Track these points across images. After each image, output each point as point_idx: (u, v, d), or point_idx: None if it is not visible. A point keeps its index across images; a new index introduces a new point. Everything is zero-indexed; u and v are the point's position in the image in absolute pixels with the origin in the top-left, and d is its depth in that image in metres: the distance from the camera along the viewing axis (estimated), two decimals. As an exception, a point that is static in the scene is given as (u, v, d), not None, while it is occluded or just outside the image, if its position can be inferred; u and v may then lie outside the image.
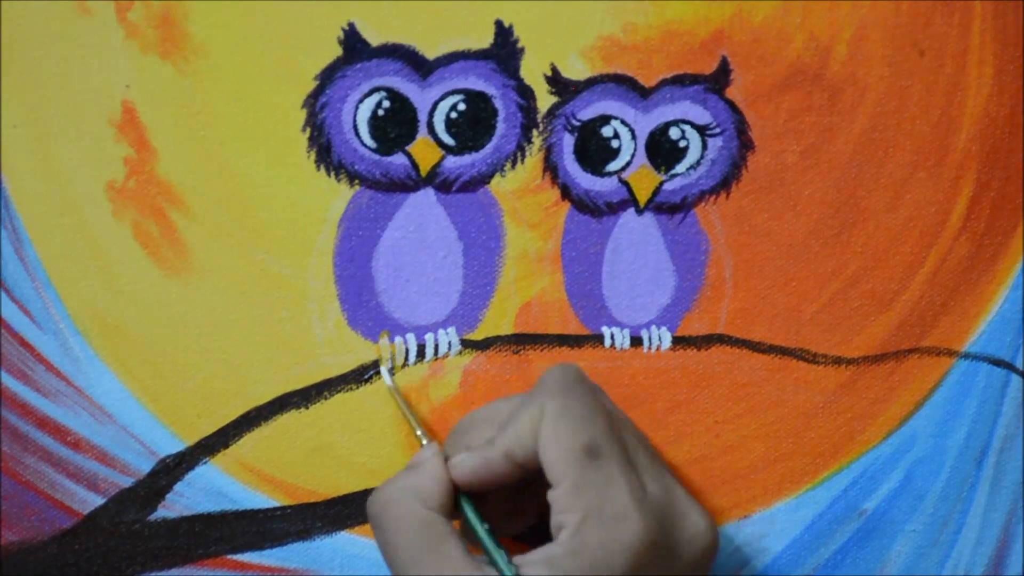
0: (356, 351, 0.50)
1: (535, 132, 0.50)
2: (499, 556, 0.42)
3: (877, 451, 0.53)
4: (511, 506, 0.47)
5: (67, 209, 0.48)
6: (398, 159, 0.49)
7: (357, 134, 0.49)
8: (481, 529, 0.43)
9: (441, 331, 0.50)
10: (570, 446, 0.42)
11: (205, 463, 0.50)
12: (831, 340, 0.52)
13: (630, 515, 0.41)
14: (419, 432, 0.47)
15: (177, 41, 0.48)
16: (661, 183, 0.51)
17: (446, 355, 0.51)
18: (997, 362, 0.53)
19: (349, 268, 0.50)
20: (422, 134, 0.49)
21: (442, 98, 0.49)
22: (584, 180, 0.50)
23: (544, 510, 0.43)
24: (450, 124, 0.49)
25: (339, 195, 0.49)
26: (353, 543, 0.50)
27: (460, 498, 0.44)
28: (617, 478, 0.42)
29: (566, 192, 0.50)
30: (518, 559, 0.42)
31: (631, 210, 0.51)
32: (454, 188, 0.50)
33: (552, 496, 0.42)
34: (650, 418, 0.52)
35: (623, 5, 0.50)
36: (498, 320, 0.51)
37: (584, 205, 0.51)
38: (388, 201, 0.50)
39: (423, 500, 0.43)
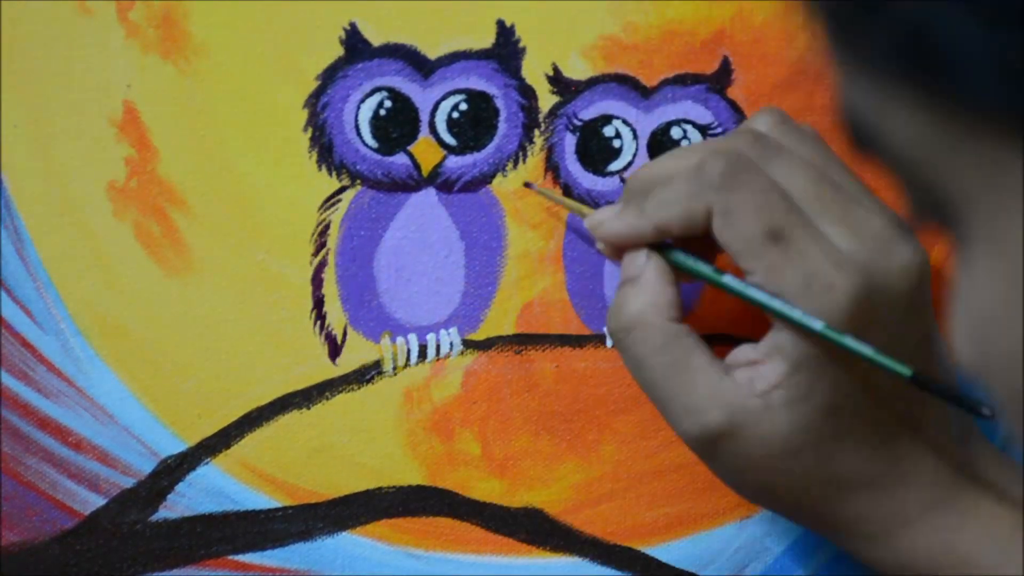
0: (358, 351, 0.50)
1: (537, 132, 0.50)
2: (747, 287, 0.42)
3: (879, 451, 0.53)
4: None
5: (68, 209, 0.48)
6: (400, 159, 0.49)
7: (359, 134, 0.49)
8: (712, 272, 0.44)
9: (443, 331, 0.50)
10: (752, 236, 0.41)
11: (206, 463, 0.49)
12: (833, 340, 0.52)
13: (836, 282, 0.41)
14: (585, 212, 0.47)
15: (178, 41, 0.48)
16: (663, 183, 0.51)
17: (448, 355, 0.51)
18: (999, 362, 0.53)
19: (350, 268, 0.50)
20: (424, 134, 0.49)
21: (444, 98, 0.49)
22: (586, 180, 0.50)
23: None
24: (452, 124, 0.49)
25: (341, 195, 0.49)
26: (355, 544, 0.50)
27: (664, 252, 0.44)
28: (809, 250, 0.41)
29: (568, 192, 0.50)
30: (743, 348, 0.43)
31: (633, 210, 0.51)
32: (456, 188, 0.50)
33: (749, 281, 0.42)
34: (652, 418, 0.51)
35: (624, 5, 0.50)
36: (500, 320, 0.51)
37: (585, 205, 0.50)
38: (390, 201, 0.50)
39: (662, 314, 0.43)
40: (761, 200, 0.42)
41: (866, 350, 0.40)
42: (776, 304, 0.42)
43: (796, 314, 0.41)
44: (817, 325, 0.41)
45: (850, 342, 0.41)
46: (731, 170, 0.42)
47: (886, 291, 0.42)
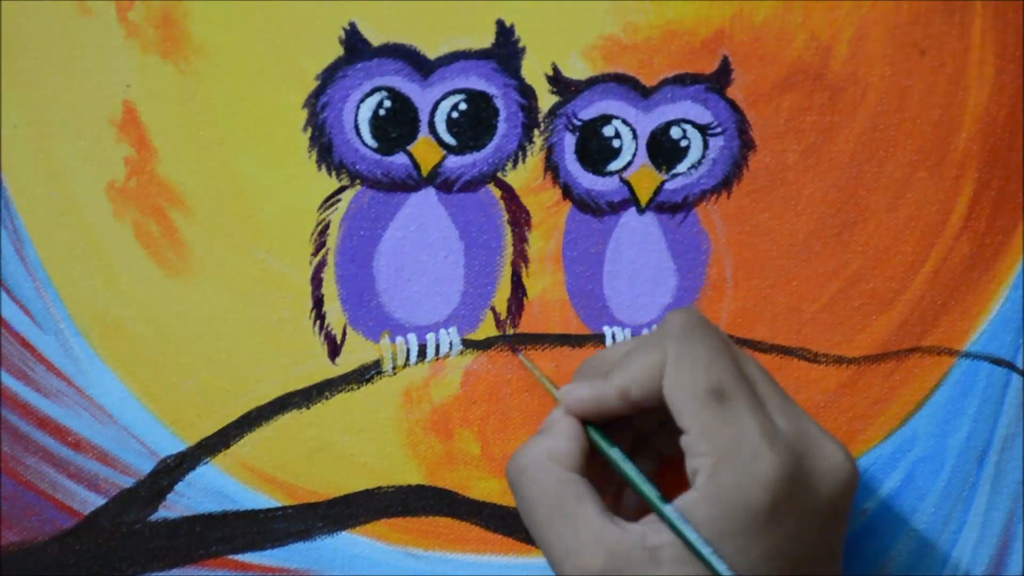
0: (357, 351, 0.50)
1: (536, 132, 0.50)
2: (640, 480, 0.43)
3: (878, 450, 0.53)
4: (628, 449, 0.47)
5: (68, 209, 0.48)
6: (399, 159, 0.49)
7: (358, 134, 0.49)
8: (614, 454, 0.44)
9: (442, 331, 0.50)
10: (696, 391, 0.42)
11: (206, 463, 0.49)
12: (832, 339, 0.52)
13: (763, 453, 0.41)
14: (553, 391, 0.47)
15: (178, 41, 0.48)
16: (662, 183, 0.51)
17: (447, 355, 0.51)
18: (998, 361, 0.53)
19: (350, 268, 0.50)
20: (423, 134, 0.49)
21: (443, 98, 0.49)
22: (585, 180, 0.50)
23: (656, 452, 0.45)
24: (451, 124, 0.49)
25: (340, 195, 0.49)
26: (354, 543, 0.50)
27: (588, 429, 0.45)
28: (746, 418, 0.41)
29: (567, 192, 0.50)
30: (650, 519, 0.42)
31: (632, 210, 0.51)
32: (455, 188, 0.50)
33: (684, 442, 0.42)
34: (651, 418, 0.52)
35: (624, 5, 0.50)
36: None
37: (585, 205, 0.51)
38: (389, 201, 0.50)
39: (558, 461, 0.43)
40: (713, 356, 0.42)
41: (713, 561, 0.40)
42: (666, 510, 0.41)
43: (653, 498, 0.42)
44: (668, 512, 0.41)
45: (693, 539, 0.40)
46: (691, 324, 0.43)
47: (810, 484, 0.42)
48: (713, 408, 0.41)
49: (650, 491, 0.42)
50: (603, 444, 0.44)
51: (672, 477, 0.45)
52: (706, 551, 0.40)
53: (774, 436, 0.41)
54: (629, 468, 0.44)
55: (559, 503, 0.42)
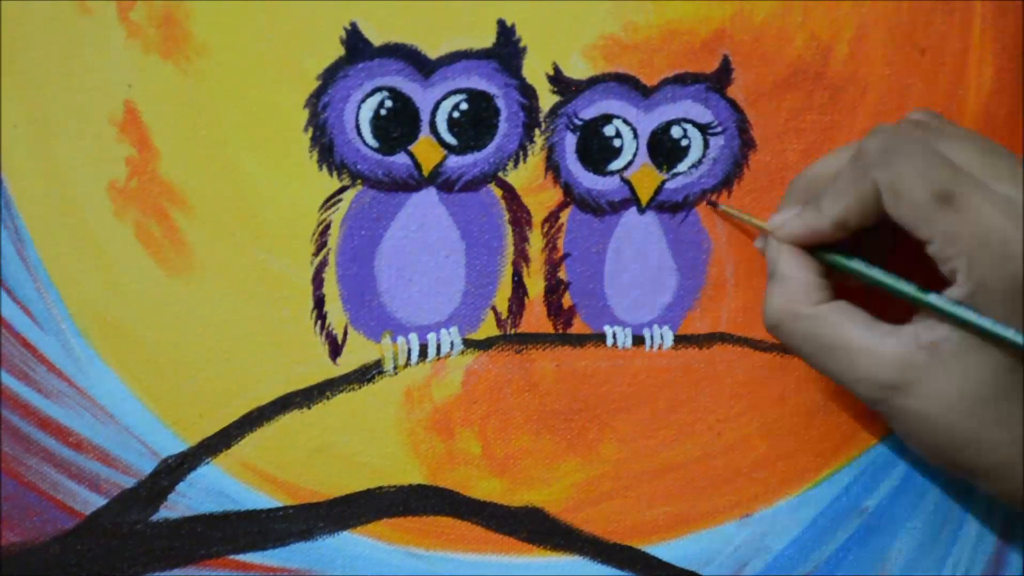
0: (358, 351, 0.50)
1: (537, 131, 0.50)
2: (895, 281, 0.43)
3: (878, 449, 0.53)
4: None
5: (68, 209, 0.48)
6: (400, 159, 0.49)
7: (359, 134, 0.49)
8: (856, 265, 0.45)
9: (443, 331, 0.50)
10: (923, 203, 0.42)
11: (207, 463, 0.49)
12: (832, 338, 0.52)
13: (1009, 233, 0.41)
14: (761, 224, 0.48)
15: (179, 41, 0.48)
16: (663, 182, 0.51)
17: (448, 355, 0.51)
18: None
19: (351, 268, 0.50)
20: (424, 133, 0.49)
21: (444, 97, 0.49)
22: (586, 179, 0.51)
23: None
24: (452, 123, 0.49)
25: (341, 195, 0.49)
26: (355, 543, 0.50)
27: (818, 253, 0.45)
28: (980, 206, 0.41)
29: (568, 191, 0.50)
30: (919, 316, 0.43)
31: (633, 209, 0.51)
32: (456, 188, 0.50)
33: (931, 251, 0.42)
34: (652, 417, 0.52)
35: (624, 4, 0.50)
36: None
37: (586, 204, 0.51)
38: (390, 201, 0.50)
39: (803, 301, 0.44)
40: (923, 166, 0.42)
41: (985, 322, 0.40)
42: (931, 299, 0.42)
43: (948, 306, 0.42)
44: (933, 299, 0.41)
45: (968, 315, 0.41)
46: (889, 146, 0.43)
47: None
48: (945, 211, 0.41)
49: (909, 287, 0.42)
50: (842, 261, 0.45)
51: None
52: (987, 323, 0.40)
53: (1013, 212, 0.41)
54: (878, 273, 0.44)
55: (824, 342, 0.44)
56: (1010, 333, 0.40)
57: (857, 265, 0.45)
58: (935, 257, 0.42)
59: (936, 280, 0.43)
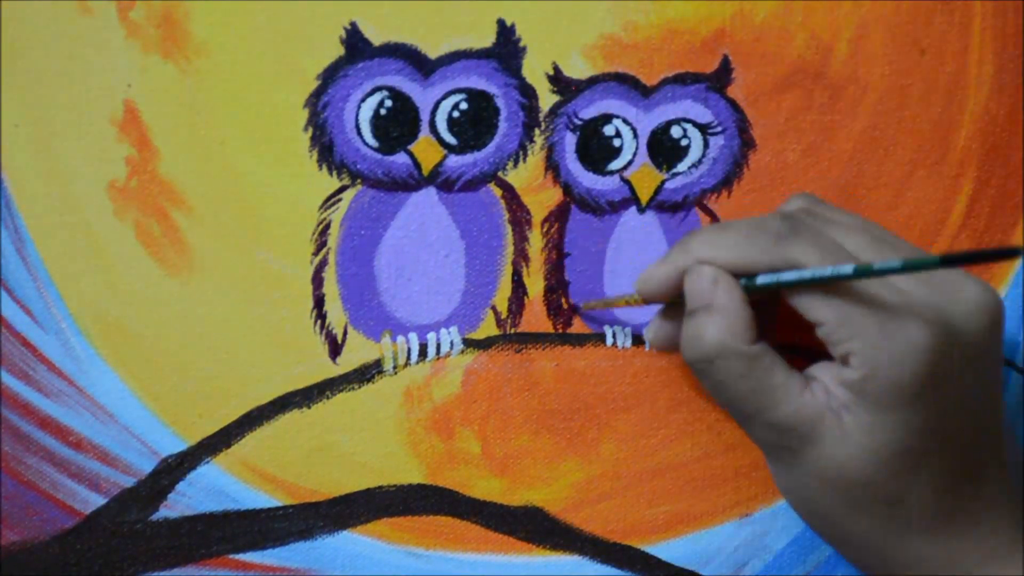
0: (358, 350, 0.50)
1: (537, 131, 0.50)
2: (831, 271, 0.41)
3: (878, 449, 0.53)
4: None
5: (69, 209, 0.48)
6: (400, 158, 0.49)
7: (359, 133, 0.49)
8: (788, 276, 0.42)
9: (443, 330, 0.50)
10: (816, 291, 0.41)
11: (207, 463, 0.49)
12: (832, 338, 0.52)
13: (908, 325, 0.40)
14: (626, 298, 0.48)
15: (179, 40, 0.48)
16: (663, 182, 0.51)
17: (448, 354, 0.51)
18: (997, 360, 0.53)
19: (351, 267, 0.50)
20: (424, 133, 0.49)
21: (444, 97, 0.49)
22: (586, 179, 0.50)
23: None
24: (452, 123, 0.49)
25: (341, 194, 0.49)
26: (355, 542, 0.50)
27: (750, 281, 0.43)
28: (881, 296, 0.41)
29: (568, 191, 0.50)
30: (817, 368, 0.43)
31: (633, 209, 0.51)
32: (456, 187, 0.50)
33: (822, 333, 0.42)
34: (652, 416, 0.52)
35: (624, 4, 0.50)
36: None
37: (586, 204, 0.51)
38: (390, 200, 0.50)
39: (738, 338, 0.43)
40: (824, 253, 0.42)
41: (895, 264, 0.39)
42: (806, 274, 0.41)
43: (827, 272, 0.41)
44: (847, 270, 0.40)
45: (879, 265, 0.40)
46: (790, 229, 0.42)
47: (958, 334, 0.41)
48: (842, 295, 0.41)
49: (846, 269, 0.41)
50: (771, 278, 0.43)
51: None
52: (896, 263, 0.39)
53: (911, 304, 0.41)
54: (815, 272, 0.42)
55: (755, 383, 0.42)
56: (927, 258, 0.39)
57: (789, 276, 0.42)
58: (826, 339, 0.42)
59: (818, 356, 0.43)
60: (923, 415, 0.41)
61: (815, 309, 0.42)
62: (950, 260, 0.37)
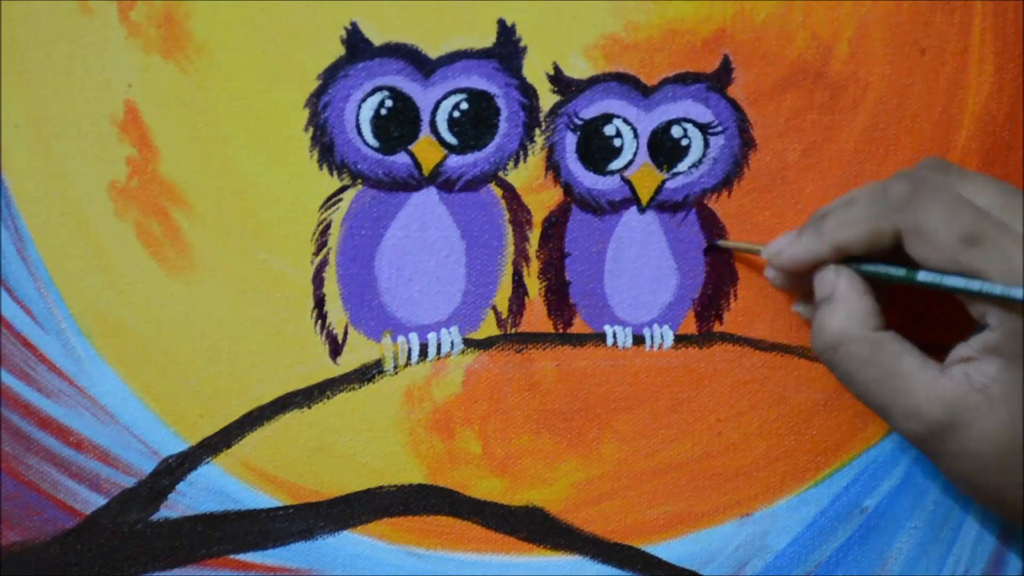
0: (359, 350, 0.50)
1: (537, 131, 0.50)
2: (962, 283, 0.41)
3: (878, 448, 0.53)
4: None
5: (69, 208, 0.48)
6: (401, 158, 0.49)
7: (360, 133, 0.49)
8: (923, 276, 0.43)
9: (444, 330, 0.50)
10: (949, 246, 0.41)
11: (207, 463, 0.49)
12: (832, 338, 0.52)
13: None
14: (759, 248, 0.48)
15: (179, 40, 0.48)
16: (663, 181, 0.51)
17: (448, 354, 0.51)
18: (998, 359, 0.53)
19: (352, 267, 0.50)
20: (425, 133, 0.49)
21: (445, 97, 0.49)
22: (586, 179, 0.51)
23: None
24: (453, 123, 0.49)
25: (342, 194, 0.49)
26: (356, 542, 0.50)
27: (854, 268, 0.44)
28: (1009, 247, 0.41)
29: (568, 191, 0.50)
30: (953, 352, 0.43)
31: (633, 209, 0.51)
32: (457, 187, 0.50)
33: (961, 297, 0.42)
34: (652, 416, 0.52)
35: (625, 4, 0.50)
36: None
37: (587, 204, 0.51)
38: (391, 200, 0.50)
39: (863, 324, 0.43)
40: (950, 211, 0.41)
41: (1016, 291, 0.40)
42: (975, 286, 0.41)
43: (997, 289, 0.41)
44: (1018, 293, 0.40)
45: (1000, 289, 0.40)
46: (916, 189, 0.43)
47: None
48: (970, 251, 0.41)
49: (975, 284, 0.41)
50: (899, 274, 0.43)
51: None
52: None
53: None
54: (945, 279, 0.42)
55: (883, 368, 0.43)
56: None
57: (926, 276, 0.43)
58: (967, 303, 0.42)
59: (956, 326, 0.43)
60: None
61: (949, 269, 0.42)
62: None
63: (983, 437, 0.42)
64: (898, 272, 0.44)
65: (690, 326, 0.52)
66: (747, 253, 0.50)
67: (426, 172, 0.50)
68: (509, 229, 0.50)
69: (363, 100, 0.49)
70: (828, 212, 0.45)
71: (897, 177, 0.44)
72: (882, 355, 0.43)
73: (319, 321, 0.50)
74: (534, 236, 0.50)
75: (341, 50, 0.49)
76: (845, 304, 0.44)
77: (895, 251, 0.44)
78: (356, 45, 0.49)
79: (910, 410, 0.42)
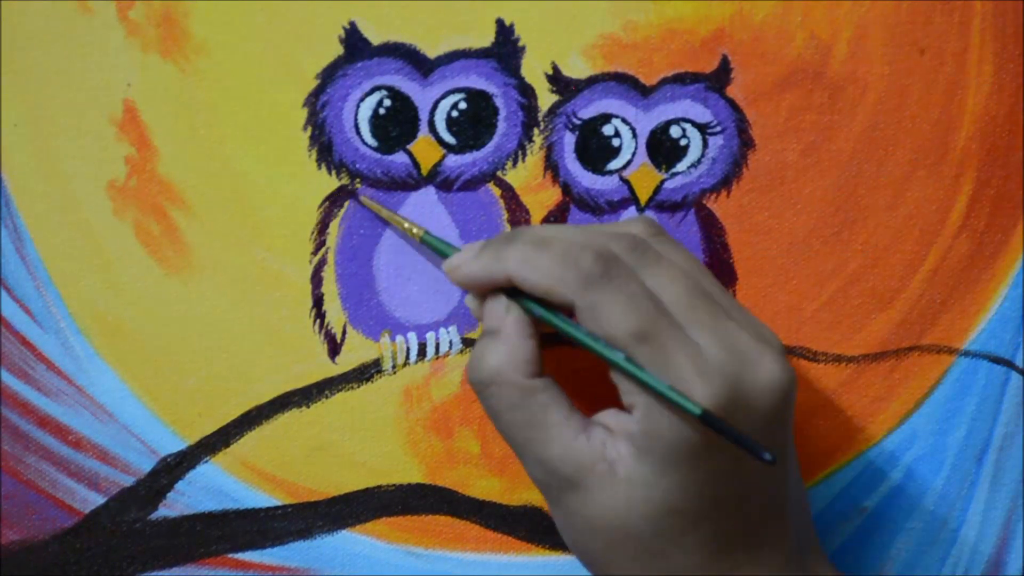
0: (357, 350, 0.50)
1: (536, 131, 0.50)
2: (598, 345, 0.42)
3: (877, 449, 0.53)
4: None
5: (68, 208, 0.48)
6: (399, 158, 0.49)
7: (358, 133, 0.49)
8: (570, 330, 0.43)
9: (442, 330, 0.50)
10: (616, 337, 0.41)
11: (206, 462, 0.49)
12: (831, 338, 0.52)
13: (695, 387, 0.40)
14: (415, 229, 0.47)
15: (178, 40, 0.48)
16: (662, 181, 0.51)
17: (447, 354, 0.51)
18: (997, 360, 0.53)
19: (350, 267, 0.50)
20: (423, 133, 0.49)
21: (443, 97, 0.49)
22: (585, 179, 0.50)
23: None
24: (451, 123, 0.49)
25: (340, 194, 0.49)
26: (354, 542, 0.50)
27: (525, 303, 0.43)
28: (673, 355, 0.41)
29: (567, 191, 0.50)
30: (605, 414, 0.43)
31: (632, 209, 0.51)
32: (455, 187, 0.50)
33: (614, 376, 0.42)
34: (651, 416, 0.51)
35: (624, 4, 0.50)
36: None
37: (585, 204, 0.51)
38: (389, 200, 0.50)
39: (518, 369, 0.42)
40: (629, 303, 0.41)
41: (659, 385, 0.40)
42: (599, 347, 0.41)
43: (599, 346, 0.41)
44: (617, 357, 0.41)
45: (646, 376, 0.40)
46: (602, 271, 0.41)
47: (748, 405, 0.41)
48: (637, 347, 0.41)
49: (612, 353, 0.41)
50: (545, 313, 0.43)
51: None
52: (663, 387, 0.40)
53: (703, 366, 0.41)
54: (582, 334, 0.42)
55: (528, 416, 0.42)
56: (688, 404, 0.40)
57: (561, 323, 0.43)
58: (616, 383, 0.42)
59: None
60: (697, 479, 0.41)
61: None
62: (708, 420, 0.39)
63: (599, 506, 0.41)
64: (559, 321, 0.43)
65: (689, 326, 0.52)
66: (400, 225, 0.48)
67: (424, 172, 0.50)
68: (508, 228, 0.50)
69: (362, 100, 0.49)
70: (517, 238, 0.43)
71: (585, 249, 0.42)
72: (530, 404, 0.42)
73: (318, 320, 0.50)
74: (533, 236, 0.50)
75: (340, 49, 0.49)
76: (507, 344, 0.43)
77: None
78: (355, 44, 0.49)
79: (542, 459, 0.42)
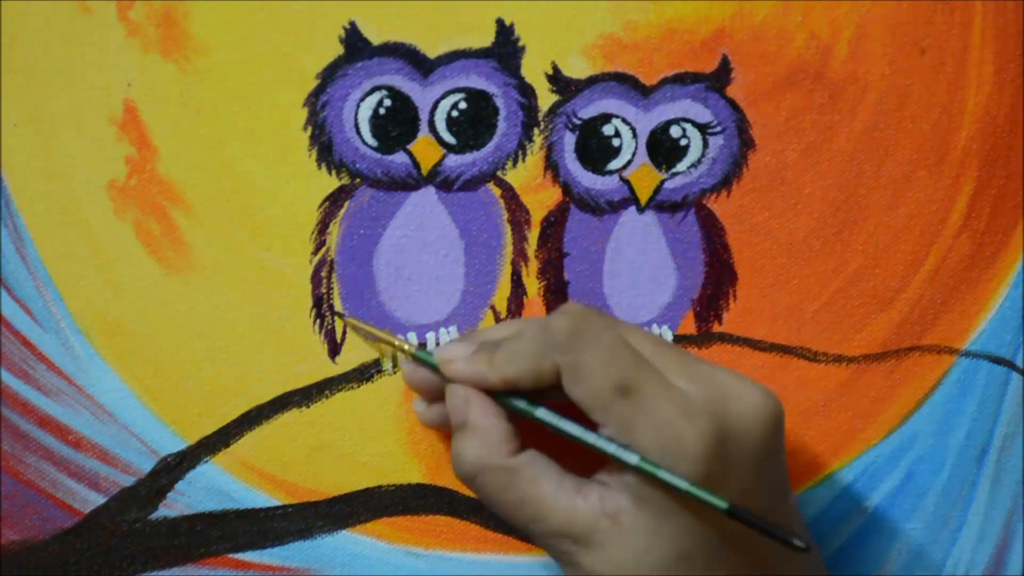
0: (357, 350, 0.50)
1: (536, 131, 0.50)
2: (588, 436, 0.42)
3: (878, 449, 0.53)
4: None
5: (68, 208, 0.48)
6: (399, 158, 0.49)
7: (358, 133, 0.49)
8: (559, 420, 0.43)
9: (442, 330, 0.50)
10: (601, 391, 0.41)
11: (206, 462, 0.49)
12: (832, 338, 0.52)
13: (684, 431, 0.41)
14: (407, 346, 0.47)
15: (178, 40, 0.48)
16: (662, 181, 0.51)
17: (447, 354, 0.51)
18: (998, 360, 0.53)
19: (350, 267, 0.50)
20: (423, 133, 0.49)
21: (443, 97, 0.49)
22: (585, 179, 0.50)
23: None
24: (451, 123, 0.49)
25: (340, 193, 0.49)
26: (354, 542, 0.50)
27: (503, 400, 0.44)
28: (659, 402, 0.41)
29: (567, 191, 0.50)
30: (600, 472, 0.43)
31: (632, 208, 0.51)
32: (455, 187, 0.50)
33: (603, 434, 0.42)
34: (651, 416, 0.52)
35: (624, 4, 0.50)
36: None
37: (585, 204, 0.51)
38: (389, 200, 0.50)
39: (497, 453, 0.43)
40: (608, 356, 0.42)
41: (681, 483, 0.40)
42: (590, 438, 0.42)
43: (611, 448, 0.42)
44: (632, 459, 0.41)
45: (665, 475, 0.41)
46: (577, 328, 0.42)
47: (738, 438, 0.42)
48: (622, 403, 0.41)
49: (607, 444, 0.42)
50: (528, 410, 0.44)
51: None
52: (682, 484, 0.40)
53: (689, 409, 0.41)
54: (567, 425, 0.43)
55: (520, 494, 0.43)
56: (712, 498, 0.40)
57: (544, 415, 0.44)
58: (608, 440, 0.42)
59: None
60: (702, 521, 0.41)
61: (598, 413, 0.42)
62: (735, 514, 0.40)
63: (610, 562, 0.41)
64: (519, 404, 0.44)
65: (689, 326, 0.52)
66: (384, 341, 0.49)
67: (425, 172, 0.50)
68: (508, 229, 0.50)
69: (362, 99, 0.49)
70: (499, 346, 0.44)
71: (561, 313, 0.43)
72: (519, 482, 0.43)
73: (318, 320, 0.50)
74: (533, 236, 0.50)
75: (340, 49, 0.49)
76: (478, 432, 0.43)
77: (560, 387, 0.43)
78: (355, 44, 0.49)
79: (545, 533, 0.42)
